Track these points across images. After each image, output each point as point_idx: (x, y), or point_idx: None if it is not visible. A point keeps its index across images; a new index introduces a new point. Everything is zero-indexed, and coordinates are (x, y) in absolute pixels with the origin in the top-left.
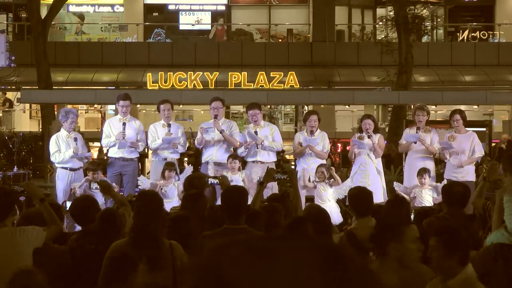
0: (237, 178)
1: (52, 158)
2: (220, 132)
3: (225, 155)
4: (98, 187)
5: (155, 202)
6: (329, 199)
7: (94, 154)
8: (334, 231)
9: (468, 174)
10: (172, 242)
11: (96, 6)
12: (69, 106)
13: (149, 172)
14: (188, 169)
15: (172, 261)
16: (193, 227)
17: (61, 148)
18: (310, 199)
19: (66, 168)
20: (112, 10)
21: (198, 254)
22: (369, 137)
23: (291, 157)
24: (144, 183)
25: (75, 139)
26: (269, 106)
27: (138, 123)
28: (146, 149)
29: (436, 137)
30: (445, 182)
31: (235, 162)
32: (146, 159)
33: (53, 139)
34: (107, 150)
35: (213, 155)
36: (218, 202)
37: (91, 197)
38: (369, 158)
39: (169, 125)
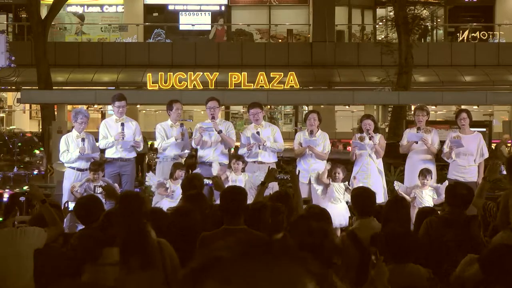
0: (240, 179)
1: (61, 158)
2: (218, 133)
3: (222, 155)
4: (103, 191)
5: (136, 203)
6: (341, 200)
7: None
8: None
9: (473, 175)
10: (160, 241)
11: (96, 7)
12: (69, 107)
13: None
14: (195, 170)
15: (162, 260)
16: (196, 220)
17: (70, 148)
18: (306, 201)
19: (73, 168)
20: (112, 11)
21: (197, 254)
22: (370, 138)
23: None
24: (152, 180)
25: (83, 140)
26: (269, 107)
27: (134, 124)
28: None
29: (436, 138)
30: (446, 183)
31: (238, 163)
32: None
33: (63, 139)
34: (104, 151)
35: (210, 155)
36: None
37: (95, 197)
38: (370, 159)
39: (181, 125)
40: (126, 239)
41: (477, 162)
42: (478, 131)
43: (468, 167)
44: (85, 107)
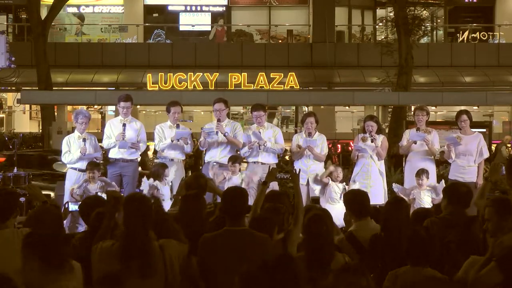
0: (236, 179)
1: (62, 158)
2: (224, 135)
3: (228, 156)
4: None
5: (144, 207)
6: (338, 200)
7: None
8: (336, 233)
9: (473, 175)
10: (162, 244)
11: (96, 7)
12: (69, 107)
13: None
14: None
15: (164, 264)
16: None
17: (72, 148)
18: (315, 199)
19: (75, 169)
20: (112, 11)
21: (199, 255)
22: (372, 140)
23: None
24: (145, 183)
25: (84, 140)
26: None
27: (139, 124)
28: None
29: (436, 138)
30: (443, 182)
31: (234, 166)
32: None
33: (64, 140)
34: (108, 151)
35: (216, 156)
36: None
37: (101, 197)
38: (371, 160)
39: (177, 126)
40: (127, 245)
41: (476, 162)
42: (478, 131)
43: (467, 167)
44: (85, 107)
